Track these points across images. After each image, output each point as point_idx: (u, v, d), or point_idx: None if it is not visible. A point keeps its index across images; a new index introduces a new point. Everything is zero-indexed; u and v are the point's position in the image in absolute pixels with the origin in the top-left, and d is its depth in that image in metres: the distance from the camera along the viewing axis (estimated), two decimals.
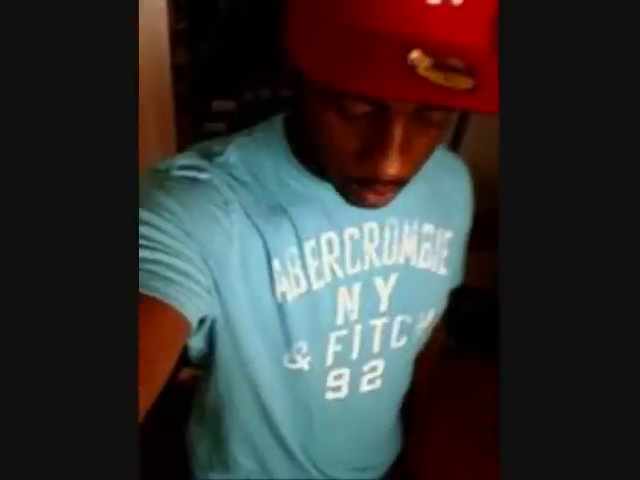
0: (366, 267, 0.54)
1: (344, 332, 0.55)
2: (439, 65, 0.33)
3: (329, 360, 0.56)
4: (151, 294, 0.41)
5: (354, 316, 0.55)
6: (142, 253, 0.42)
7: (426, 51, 0.34)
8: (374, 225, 0.54)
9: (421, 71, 0.33)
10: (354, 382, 0.60)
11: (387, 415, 0.71)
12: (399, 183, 0.43)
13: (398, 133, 0.38)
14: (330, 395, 0.59)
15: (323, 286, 0.52)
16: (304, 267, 0.51)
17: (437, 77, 0.33)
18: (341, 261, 0.53)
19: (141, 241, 0.42)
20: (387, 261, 0.56)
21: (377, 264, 0.55)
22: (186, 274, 0.43)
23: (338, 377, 0.58)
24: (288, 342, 0.52)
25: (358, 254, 0.54)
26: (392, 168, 0.39)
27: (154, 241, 0.43)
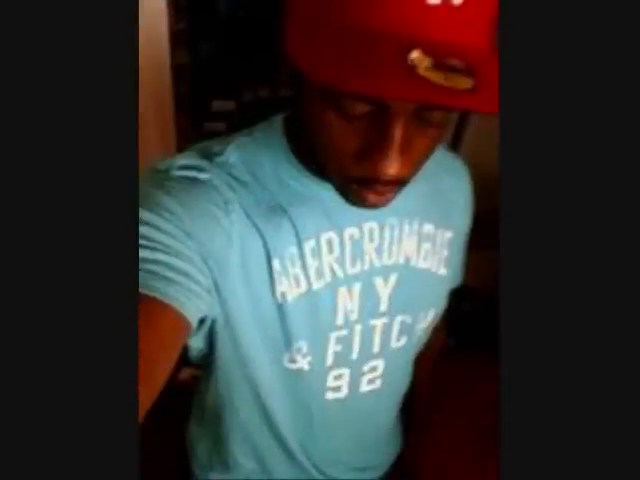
0: (366, 267, 0.54)
1: (344, 332, 0.55)
2: (439, 65, 0.33)
3: (329, 360, 0.56)
4: (151, 294, 0.41)
5: (354, 316, 0.55)
6: (142, 253, 0.42)
7: (426, 51, 0.34)
8: (374, 225, 0.54)
9: (421, 71, 0.33)
10: (354, 382, 0.60)
11: (387, 415, 0.71)
12: (399, 183, 0.43)
13: (398, 133, 0.38)
14: (330, 395, 0.59)
15: (323, 286, 0.52)
16: (304, 267, 0.51)
17: (437, 77, 0.33)
18: (341, 261, 0.53)
19: (141, 241, 0.42)
20: (387, 261, 0.56)
21: (377, 264, 0.55)
22: (186, 274, 0.43)
23: (338, 377, 0.58)
24: (288, 342, 0.52)
25: (358, 254, 0.54)
26: (392, 168, 0.39)
27: (154, 241, 0.43)
